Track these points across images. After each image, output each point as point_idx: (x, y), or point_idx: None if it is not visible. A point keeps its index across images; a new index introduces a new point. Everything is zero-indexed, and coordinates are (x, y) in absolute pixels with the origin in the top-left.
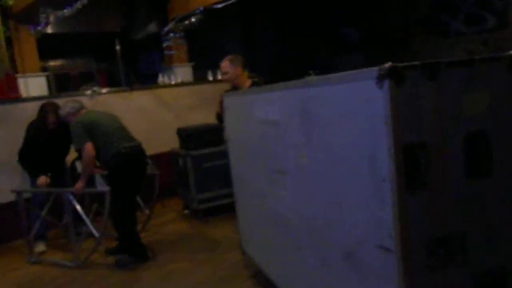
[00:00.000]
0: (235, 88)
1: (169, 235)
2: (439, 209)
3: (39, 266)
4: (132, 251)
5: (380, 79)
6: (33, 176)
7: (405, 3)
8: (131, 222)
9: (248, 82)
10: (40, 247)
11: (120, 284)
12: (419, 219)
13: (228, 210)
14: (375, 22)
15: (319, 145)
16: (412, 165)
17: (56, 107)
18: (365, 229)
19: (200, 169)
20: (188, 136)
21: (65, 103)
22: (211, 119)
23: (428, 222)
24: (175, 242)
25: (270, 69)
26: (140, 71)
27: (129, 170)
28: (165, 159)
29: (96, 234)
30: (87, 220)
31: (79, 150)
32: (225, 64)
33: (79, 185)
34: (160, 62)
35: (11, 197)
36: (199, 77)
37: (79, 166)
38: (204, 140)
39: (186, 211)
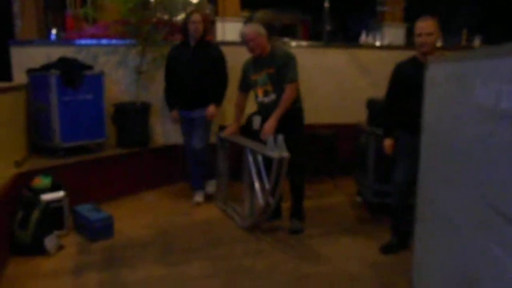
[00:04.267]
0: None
1: (330, 222)
2: None
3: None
4: (303, 217)
5: None
6: (169, 108)
7: None
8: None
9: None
10: (196, 197)
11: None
12: None
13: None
14: None
15: None
16: None
17: (206, 16)
18: None
19: (384, 153)
20: (379, 109)
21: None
22: None
23: None
24: (334, 231)
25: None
26: (348, 29)
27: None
28: (350, 132)
29: (271, 200)
30: (265, 179)
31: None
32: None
33: (272, 123)
34: (370, 20)
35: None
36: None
37: (256, 120)
38: None
39: (358, 198)
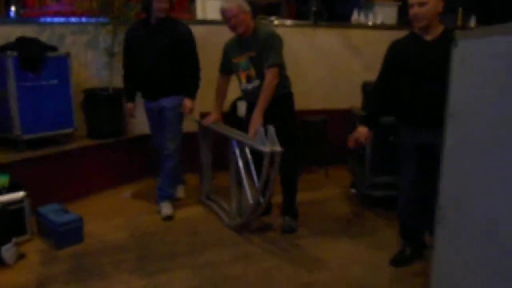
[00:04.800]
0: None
1: (325, 219)
2: None
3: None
4: (296, 215)
5: None
6: (126, 99)
7: None
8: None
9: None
10: (164, 209)
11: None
12: None
13: None
14: None
15: None
16: None
17: None
18: None
19: (383, 143)
20: (370, 101)
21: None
22: None
23: None
24: (331, 230)
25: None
26: (336, 10)
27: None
28: (342, 117)
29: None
30: (255, 176)
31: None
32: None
33: (257, 120)
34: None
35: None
36: (405, 21)
37: (241, 107)
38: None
39: (353, 190)
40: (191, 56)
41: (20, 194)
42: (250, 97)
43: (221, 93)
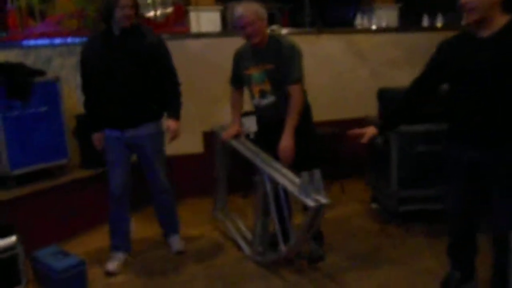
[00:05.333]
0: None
1: (353, 242)
2: None
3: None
4: (322, 238)
5: None
6: (92, 130)
7: None
8: None
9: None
10: (110, 266)
11: None
12: None
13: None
14: None
15: None
16: None
17: None
18: None
19: (410, 154)
20: (394, 101)
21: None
22: None
23: None
24: (363, 256)
25: None
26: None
27: None
28: (352, 127)
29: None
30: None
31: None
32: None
33: (289, 144)
34: (355, 4)
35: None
36: (407, 23)
37: (249, 123)
38: (423, 111)
39: (374, 205)
40: (168, 70)
41: (13, 239)
42: (263, 113)
43: (236, 105)
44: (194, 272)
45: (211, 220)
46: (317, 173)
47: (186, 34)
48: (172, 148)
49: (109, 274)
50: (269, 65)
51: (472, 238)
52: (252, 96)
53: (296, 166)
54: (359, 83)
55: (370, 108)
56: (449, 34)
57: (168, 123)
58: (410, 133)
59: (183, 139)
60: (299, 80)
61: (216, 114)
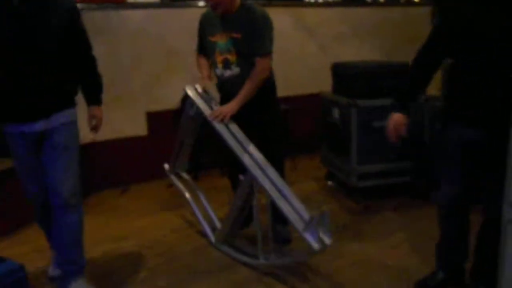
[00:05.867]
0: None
1: None
2: None
3: None
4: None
5: None
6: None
7: None
8: None
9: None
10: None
11: None
12: None
13: (399, 194)
14: None
15: None
16: None
17: None
18: None
19: (368, 129)
20: (354, 76)
21: None
22: (366, 56)
23: None
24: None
25: None
26: None
27: None
28: (302, 103)
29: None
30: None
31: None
32: None
33: (230, 109)
34: None
35: None
36: None
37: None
38: (378, 85)
39: (330, 183)
40: (85, 44)
41: None
42: (225, 86)
43: (204, 65)
44: (154, 267)
45: (162, 206)
46: (326, 215)
47: (122, 4)
48: (112, 131)
49: (53, 279)
50: (236, 34)
51: (464, 238)
52: (215, 66)
53: (263, 144)
54: (307, 59)
55: (322, 83)
56: (392, 9)
57: (93, 111)
58: (370, 107)
59: (125, 120)
60: (269, 53)
61: (160, 93)
